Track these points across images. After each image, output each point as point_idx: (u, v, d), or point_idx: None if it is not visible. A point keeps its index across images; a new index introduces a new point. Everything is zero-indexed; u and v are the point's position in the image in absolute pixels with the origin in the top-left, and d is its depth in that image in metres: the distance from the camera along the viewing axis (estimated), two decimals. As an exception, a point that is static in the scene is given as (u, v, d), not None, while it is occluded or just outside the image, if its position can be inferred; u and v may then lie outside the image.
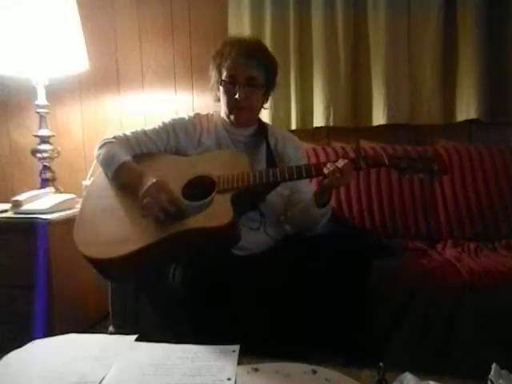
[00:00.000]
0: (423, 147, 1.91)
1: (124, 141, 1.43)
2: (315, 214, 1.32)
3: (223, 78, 1.40)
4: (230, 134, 1.47)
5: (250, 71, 1.38)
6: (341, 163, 1.22)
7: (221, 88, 1.42)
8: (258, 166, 1.37)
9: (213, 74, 1.45)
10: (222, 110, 1.46)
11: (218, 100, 1.47)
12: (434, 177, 1.24)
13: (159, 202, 1.22)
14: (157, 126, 1.47)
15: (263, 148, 1.45)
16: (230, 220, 1.18)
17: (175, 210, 1.22)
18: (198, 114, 1.51)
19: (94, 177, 1.50)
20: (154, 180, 1.26)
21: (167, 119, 1.49)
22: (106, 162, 1.38)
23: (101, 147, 1.42)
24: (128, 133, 1.46)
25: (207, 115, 1.52)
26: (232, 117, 1.43)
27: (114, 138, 1.43)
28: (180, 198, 1.26)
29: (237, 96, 1.37)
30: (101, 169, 1.44)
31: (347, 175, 1.21)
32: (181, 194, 1.29)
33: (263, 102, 1.49)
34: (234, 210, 1.21)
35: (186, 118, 1.49)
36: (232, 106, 1.41)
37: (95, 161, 1.46)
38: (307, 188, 1.47)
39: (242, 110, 1.41)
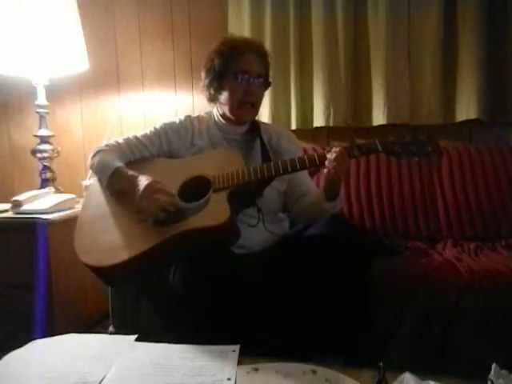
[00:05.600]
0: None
1: (116, 148, 1.44)
2: (326, 208, 1.32)
3: (235, 70, 1.37)
4: (223, 132, 1.47)
5: (260, 69, 1.41)
6: (333, 152, 1.22)
7: (227, 83, 1.39)
8: (253, 163, 1.37)
9: (212, 71, 1.41)
10: (225, 106, 1.42)
11: (212, 100, 1.46)
12: (430, 159, 1.26)
13: (157, 203, 1.22)
14: (148, 131, 1.48)
15: (257, 145, 1.45)
16: (228, 218, 1.19)
17: (174, 209, 1.23)
18: (188, 117, 1.51)
19: (90, 185, 1.52)
20: (147, 182, 1.27)
21: (158, 124, 1.49)
22: (100, 170, 1.40)
23: (94, 156, 1.43)
24: (120, 140, 1.47)
25: (198, 116, 1.52)
26: (240, 111, 1.40)
27: (106, 146, 1.45)
28: (176, 198, 1.27)
29: (253, 89, 1.38)
30: (95, 177, 1.45)
31: (342, 163, 1.21)
32: (177, 196, 1.29)
33: None
34: (232, 208, 1.21)
35: (177, 121, 1.49)
36: (241, 102, 1.39)
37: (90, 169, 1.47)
38: (307, 180, 1.49)
39: (251, 105, 1.41)
